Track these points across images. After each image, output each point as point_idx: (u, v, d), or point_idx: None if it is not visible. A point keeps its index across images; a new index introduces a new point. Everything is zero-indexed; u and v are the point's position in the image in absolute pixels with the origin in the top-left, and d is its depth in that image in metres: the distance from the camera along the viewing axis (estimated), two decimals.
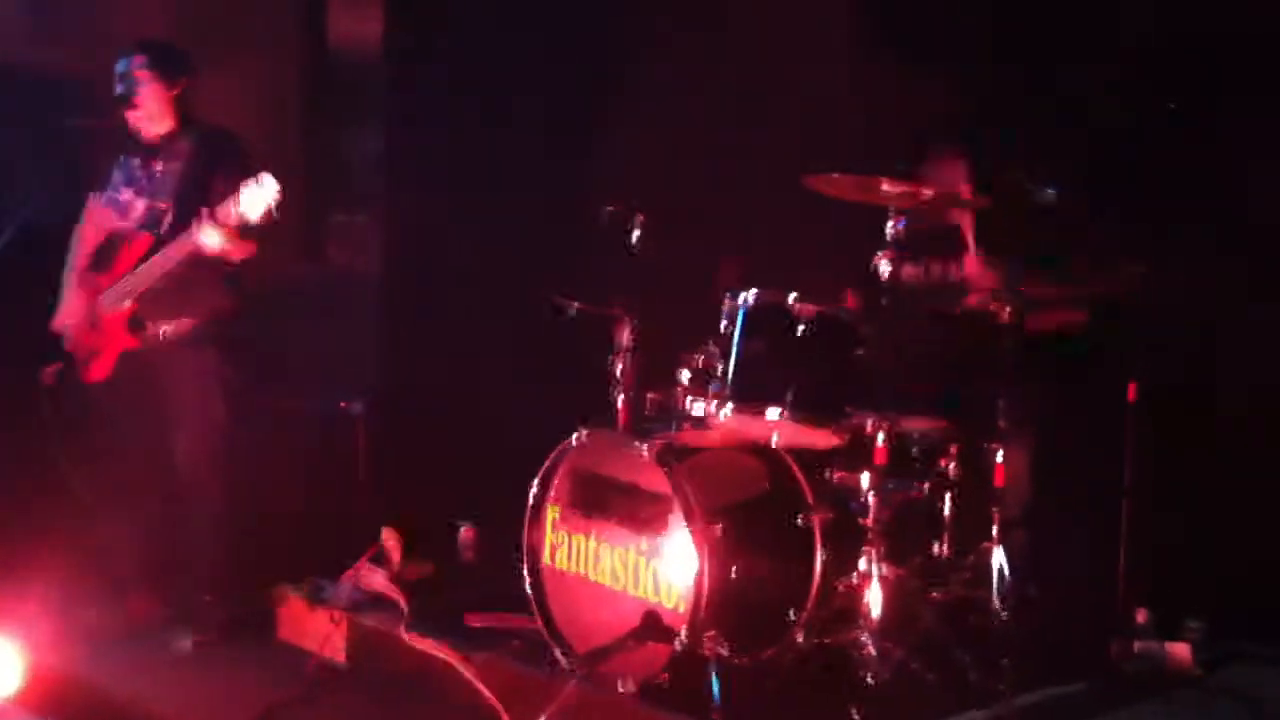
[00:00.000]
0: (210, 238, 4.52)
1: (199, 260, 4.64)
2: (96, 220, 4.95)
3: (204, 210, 4.51)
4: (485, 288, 6.03)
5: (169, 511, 4.94)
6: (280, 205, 4.47)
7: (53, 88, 5.78)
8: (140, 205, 4.81)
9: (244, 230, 4.54)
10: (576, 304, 4.70)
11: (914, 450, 4.28)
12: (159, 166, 4.82)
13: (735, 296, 4.26)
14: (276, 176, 4.48)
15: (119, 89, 4.77)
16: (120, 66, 4.78)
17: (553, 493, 4.44)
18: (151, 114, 4.80)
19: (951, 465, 4.28)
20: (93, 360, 4.81)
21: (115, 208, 4.88)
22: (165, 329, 4.78)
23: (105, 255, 4.87)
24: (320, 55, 6.69)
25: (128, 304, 4.72)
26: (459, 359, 5.95)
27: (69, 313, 4.90)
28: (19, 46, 5.81)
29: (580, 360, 5.07)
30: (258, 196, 4.43)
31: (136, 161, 4.87)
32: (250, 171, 4.57)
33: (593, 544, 4.32)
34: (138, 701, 4.41)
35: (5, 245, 4.28)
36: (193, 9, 5.94)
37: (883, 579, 4.03)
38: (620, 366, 4.65)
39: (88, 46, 5.63)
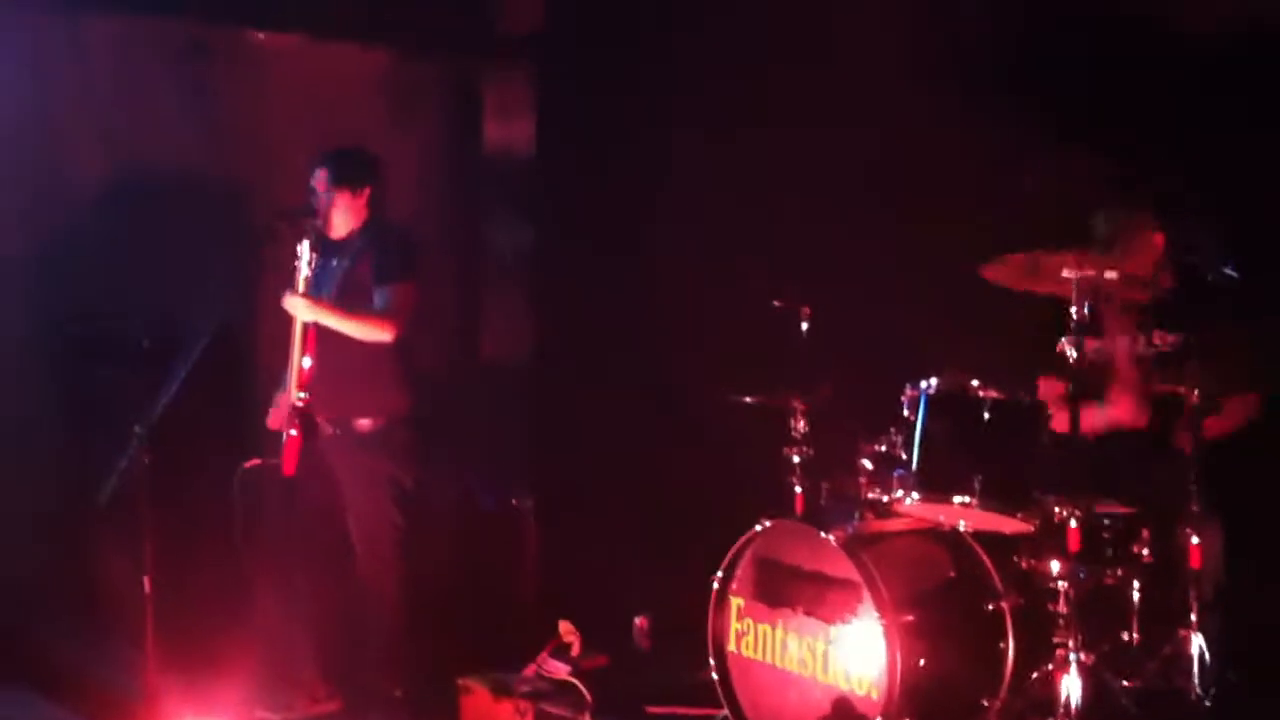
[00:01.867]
0: (295, 308, 4.78)
1: (355, 350, 4.82)
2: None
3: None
4: (643, 380, 6.11)
5: (349, 605, 5.05)
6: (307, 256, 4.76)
7: (237, 192, 6.03)
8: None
9: (311, 289, 4.77)
10: (749, 398, 4.77)
11: (1105, 535, 4.25)
12: (334, 263, 4.99)
13: (917, 384, 4.29)
14: (433, 271, 4.66)
15: (309, 200, 4.98)
16: (311, 179, 4.99)
17: (736, 582, 4.48)
18: (336, 222, 4.99)
19: (1144, 550, 4.23)
20: (285, 454, 4.92)
21: None
22: (340, 428, 4.92)
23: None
24: (476, 155, 6.90)
25: (300, 396, 4.86)
26: (620, 450, 6.02)
27: (278, 414, 5.06)
28: (204, 153, 6.06)
29: (744, 451, 5.14)
30: (301, 256, 4.76)
31: (322, 261, 5.01)
32: (411, 263, 4.88)
33: (779, 632, 4.33)
34: None
35: (205, 346, 4.43)
36: (352, 109, 6.19)
37: (1078, 666, 3.99)
38: (796, 456, 4.72)
39: (267, 151, 5.90)
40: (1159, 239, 4.50)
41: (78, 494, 4.85)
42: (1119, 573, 4.24)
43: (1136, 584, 4.26)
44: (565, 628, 5.07)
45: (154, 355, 4.92)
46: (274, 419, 5.03)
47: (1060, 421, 4.19)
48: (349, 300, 4.83)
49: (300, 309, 4.77)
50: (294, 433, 4.82)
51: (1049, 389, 4.43)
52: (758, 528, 4.40)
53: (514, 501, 5.84)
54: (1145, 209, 4.52)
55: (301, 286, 4.77)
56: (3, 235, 5.69)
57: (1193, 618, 4.16)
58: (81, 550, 5.43)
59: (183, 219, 5.80)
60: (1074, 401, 4.08)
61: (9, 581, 5.33)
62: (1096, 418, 4.50)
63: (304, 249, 4.76)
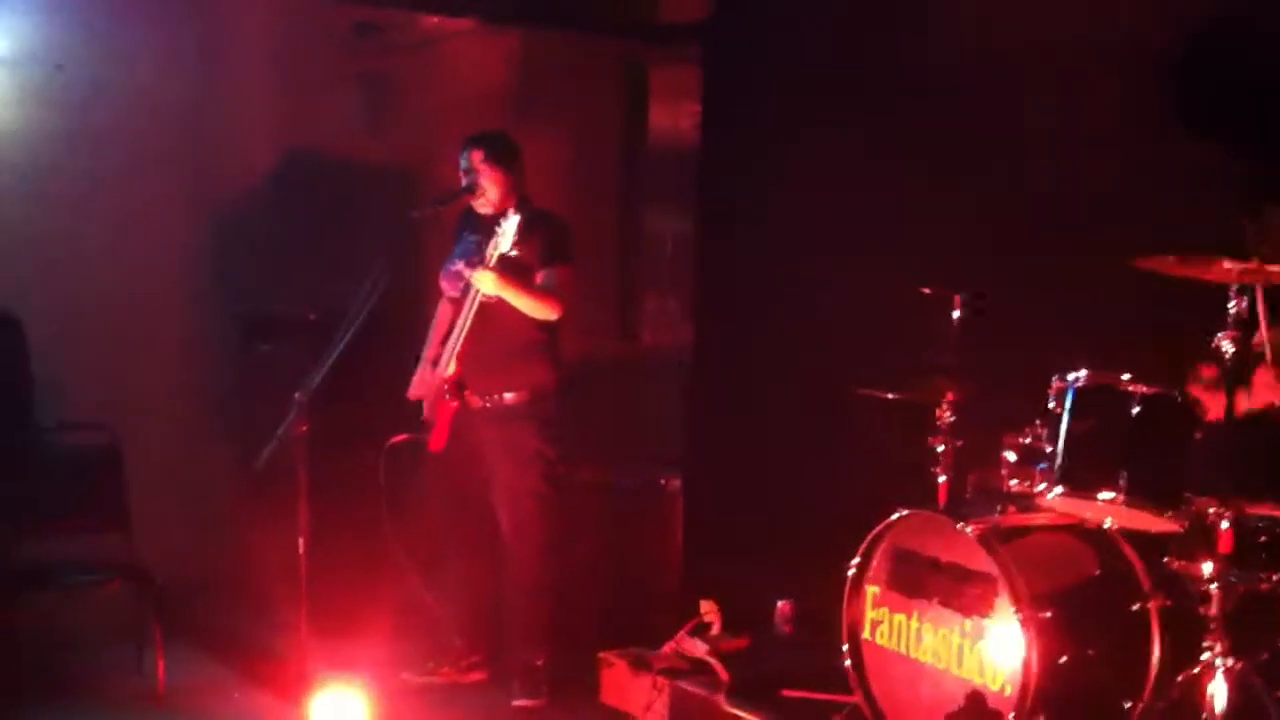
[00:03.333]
0: (482, 282, 4.87)
1: (513, 326, 4.95)
2: (445, 295, 5.28)
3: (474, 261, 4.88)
4: (796, 370, 6.09)
5: (496, 576, 5.17)
6: (520, 231, 4.81)
7: (394, 180, 6.21)
8: (467, 273, 5.08)
9: (505, 266, 4.84)
10: (891, 394, 4.73)
11: (1261, 539, 4.08)
12: (489, 241, 5.10)
13: (1064, 377, 4.18)
14: (593, 259, 4.74)
15: (465, 181, 5.12)
16: (463, 161, 5.13)
17: (872, 570, 4.44)
18: (492, 199, 5.11)
19: None
20: (435, 429, 5.09)
21: (449, 279, 5.21)
22: (488, 401, 5.03)
23: (449, 328, 5.18)
24: (639, 143, 6.96)
25: (453, 368, 5.01)
26: (770, 437, 6.02)
27: (421, 385, 5.21)
28: (370, 136, 6.26)
29: (895, 442, 5.09)
30: (506, 232, 4.80)
31: (474, 239, 5.17)
32: (568, 250, 4.99)
33: (914, 623, 4.29)
34: None
35: (354, 328, 4.58)
36: (516, 95, 6.31)
37: (1227, 672, 3.84)
38: (941, 446, 4.66)
39: (432, 135, 6.06)
40: None
41: (242, 462, 5.07)
42: (1274, 578, 4.05)
43: None
44: (706, 607, 5.11)
45: (320, 328, 5.09)
46: (416, 389, 5.18)
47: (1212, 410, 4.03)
48: (513, 278, 4.93)
49: (489, 282, 4.87)
50: (451, 403, 4.96)
51: (1206, 374, 4.28)
52: (894, 517, 4.35)
53: (662, 481, 5.89)
54: None
55: (494, 261, 4.86)
56: (174, 219, 5.99)
57: None
58: (245, 516, 5.68)
59: (350, 201, 6.01)
60: (1230, 396, 3.91)
61: (176, 544, 5.60)
62: (1243, 403, 4.31)
63: (509, 225, 4.82)
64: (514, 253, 4.84)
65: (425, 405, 5.18)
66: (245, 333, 6.05)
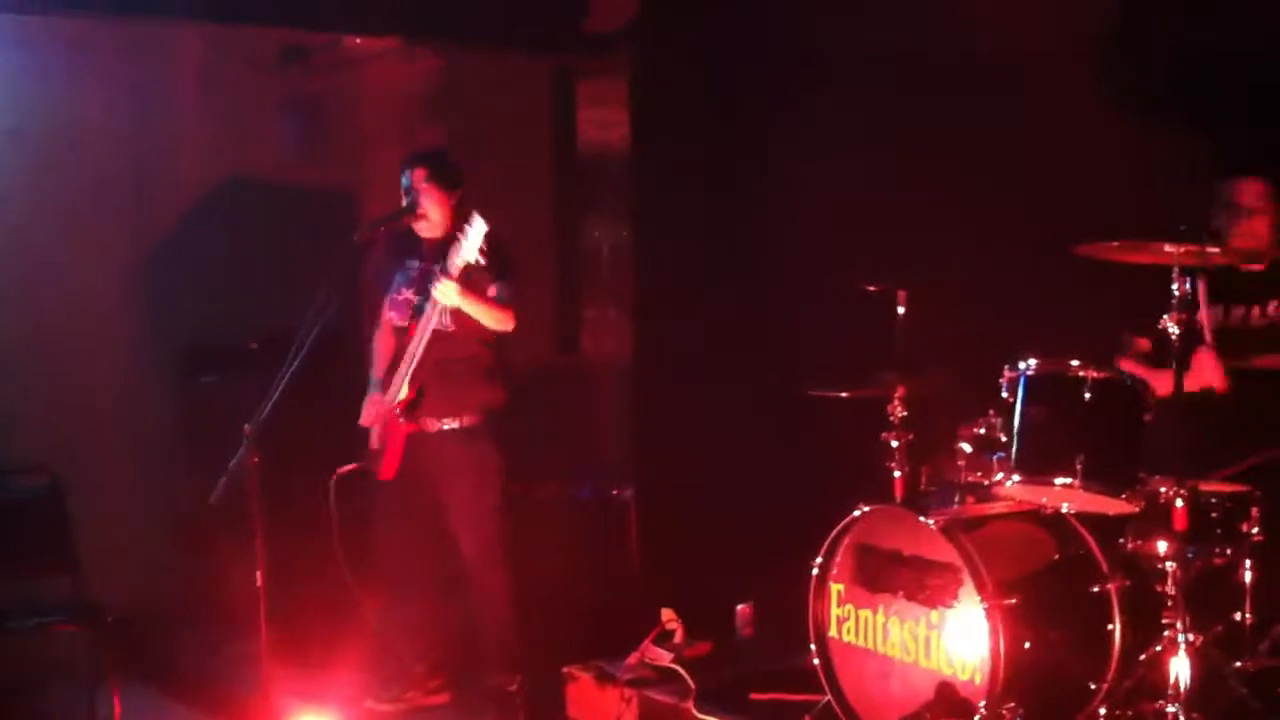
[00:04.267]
0: (444, 294, 4.78)
1: (469, 348, 4.91)
2: (387, 323, 5.20)
3: (435, 271, 4.79)
4: (741, 370, 6.13)
5: (458, 600, 5.13)
6: (489, 239, 4.69)
7: (328, 203, 6.16)
8: (416, 300, 5.03)
9: (468, 276, 4.77)
10: (844, 393, 4.76)
11: (1214, 515, 4.16)
12: (436, 267, 5.01)
13: (1016, 366, 4.24)
14: (531, 270, 4.74)
15: (405, 200, 5.04)
16: (405, 180, 5.05)
17: (835, 568, 4.47)
18: (434, 221, 5.04)
19: (1254, 529, 4.14)
20: (385, 457, 5.03)
21: (398, 309, 5.13)
22: (442, 424, 4.98)
23: (397, 355, 5.10)
24: (570, 154, 6.95)
25: (406, 392, 4.95)
26: (720, 440, 6.05)
27: (370, 415, 5.14)
28: (296, 167, 6.20)
29: (844, 438, 5.13)
30: (471, 238, 4.70)
31: (417, 264, 5.11)
32: (514, 268, 4.90)
33: (880, 618, 4.32)
34: None
35: (300, 357, 4.52)
36: (447, 112, 6.28)
37: (1188, 647, 3.92)
38: (895, 441, 4.70)
39: (364, 155, 6.02)
40: (1264, 223, 4.41)
41: (194, 496, 4.99)
42: (1228, 552, 4.14)
43: (1248, 564, 4.17)
44: (667, 615, 5.10)
45: (263, 358, 5.03)
46: (368, 417, 5.12)
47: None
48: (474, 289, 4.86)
49: (451, 293, 4.79)
50: (404, 427, 4.90)
51: (1139, 348, 4.36)
52: (856, 513, 4.39)
53: (615, 492, 5.89)
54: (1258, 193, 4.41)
55: (457, 271, 4.78)
56: (112, 253, 5.90)
57: None
58: (198, 550, 5.60)
59: (285, 226, 5.95)
60: (1179, 377, 3.99)
61: (131, 582, 5.51)
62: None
63: (474, 232, 4.70)
64: (481, 260, 4.76)
65: (374, 433, 5.11)
66: (187, 365, 5.96)
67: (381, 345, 5.22)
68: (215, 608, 5.37)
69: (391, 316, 5.16)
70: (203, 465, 4.55)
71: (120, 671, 4.98)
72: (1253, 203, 4.45)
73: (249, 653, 4.44)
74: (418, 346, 4.92)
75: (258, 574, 4.32)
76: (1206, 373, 4.33)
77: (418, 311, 4.98)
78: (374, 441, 5.10)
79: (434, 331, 4.89)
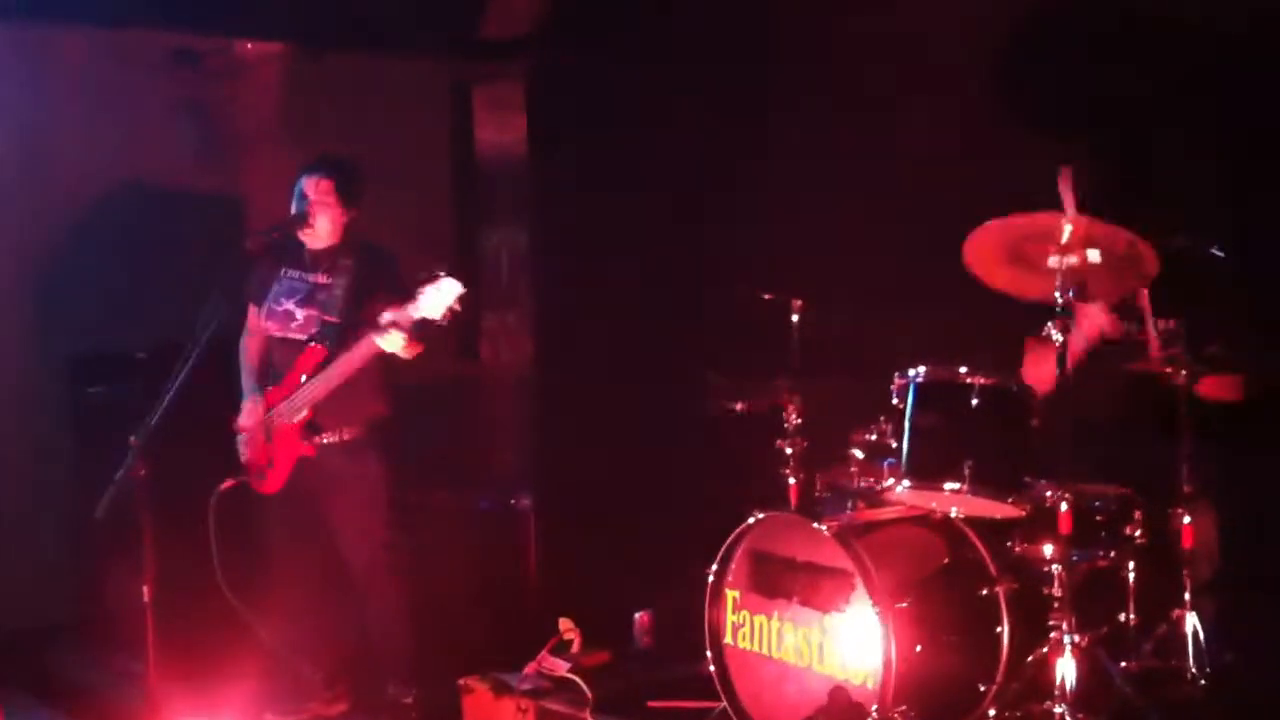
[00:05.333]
0: (392, 342, 4.64)
1: (370, 368, 4.78)
2: (259, 332, 5.04)
3: (386, 316, 4.62)
4: (639, 378, 6.14)
5: (351, 612, 5.07)
6: (462, 301, 4.58)
7: (217, 209, 6.07)
8: (306, 317, 4.89)
9: (421, 331, 4.65)
10: (740, 402, 4.79)
11: (1097, 518, 4.26)
12: (322, 280, 4.91)
13: (905, 373, 4.30)
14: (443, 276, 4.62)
15: (296, 207, 4.89)
16: (304, 186, 4.89)
17: (731, 575, 4.49)
18: (322, 233, 4.91)
19: (1137, 531, 4.24)
20: (268, 472, 4.92)
21: (276, 319, 4.95)
22: (331, 437, 4.89)
23: (275, 368, 4.98)
24: (467, 160, 6.92)
25: (305, 414, 4.83)
26: (617, 448, 6.06)
27: (244, 424, 5.00)
28: (186, 172, 6.09)
29: (742, 444, 5.16)
30: (438, 299, 4.54)
31: (296, 274, 4.96)
32: (406, 286, 4.67)
33: (775, 624, 4.35)
34: None
35: (189, 366, 4.43)
36: (339, 117, 6.21)
37: (1074, 648, 4.00)
38: (789, 448, 4.74)
39: (258, 160, 5.94)
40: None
41: (80, 508, 4.88)
42: (1112, 555, 4.24)
43: (1131, 565, 4.27)
44: (565, 625, 5.09)
45: (150, 366, 4.93)
46: (244, 423, 5.00)
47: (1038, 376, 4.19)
48: (357, 321, 4.75)
49: (399, 344, 4.63)
50: (301, 447, 4.82)
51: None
52: (750, 520, 4.41)
53: (512, 501, 5.86)
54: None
55: (408, 325, 4.58)
56: None
57: (1187, 598, 4.16)
58: (83, 562, 5.48)
59: (174, 232, 5.85)
60: (1062, 381, 4.07)
61: (13, 594, 5.37)
62: (1076, 344, 4.46)
63: (442, 296, 4.53)
64: (443, 321, 4.59)
65: (246, 444, 4.97)
66: (74, 374, 5.83)
67: (252, 351, 5.06)
68: (103, 621, 5.25)
69: (268, 326, 4.97)
70: (91, 476, 4.43)
71: (4, 683, 4.86)
72: None
73: (136, 667, 4.36)
74: (336, 378, 4.76)
75: (144, 588, 4.25)
76: (1097, 325, 4.40)
77: (323, 335, 4.84)
78: (245, 451, 4.97)
79: (333, 351, 4.78)
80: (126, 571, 4.31)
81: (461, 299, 4.58)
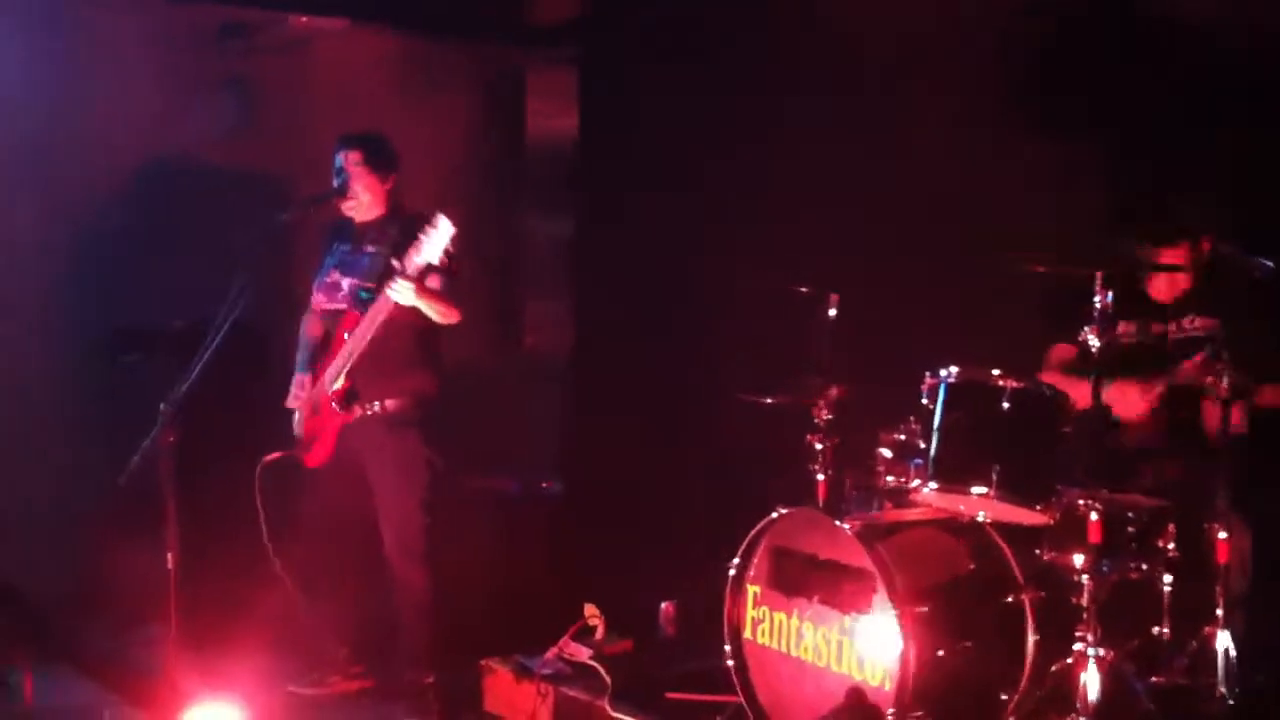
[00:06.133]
0: (400, 293, 4.65)
1: (403, 334, 4.81)
2: (316, 307, 5.11)
3: (394, 266, 4.66)
4: (676, 371, 6.10)
5: (380, 590, 5.07)
6: (455, 241, 4.57)
7: (260, 182, 6.08)
8: (350, 286, 4.94)
9: (425, 277, 4.65)
10: (770, 399, 4.74)
11: (1129, 529, 4.16)
12: (369, 249, 4.96)
13: (936, 373, 4.22)
14: (474, 263, 4.60)
15: (335, 181, 4.96)
16: (337, 160, 4.97)
17: (753, 570, 4.45)
18: (364, 203, 4.97)
19: (1170, 544, 4.14)
20: (315, 445, 4.95)
21: (325, 292, 5.04)
22: (372, 408, 4.91)
23: (325, 340, 5.04)
24: (517, 148, 6.91)
25: (342, 382, 4.86)
26: (653, 440, 6.02)
27: (297, 398, 5.06)
28: (229, 146, 6.12)
29: (774, 441, 5.11)
30: (435, 239, 4.56)
31: (347, 247, 5.03)
32: (453, 256, 4.72)
33: (795, 621, 4.30)
34: None
35: (222, 338, 4.45)
36: (387, 97, 6.21)
37: (1099, 661, 3.91)
38: (820, 445, 4.68)
39: (300, 138, 5.94)
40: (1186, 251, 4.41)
41: (110, 480, 4.91)
42: (1144, 567, 4.15)
43: (1165, 579, 4.17)
44: (590, 611, 5.06)
45: (186, 337, 4.94)
46: (295, 399, 5.05)
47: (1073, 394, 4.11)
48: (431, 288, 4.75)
49: (408, 294, 4.65)
50: (341, 416, 4.83)
51: (1059, 355, 4.35)
52: (773, 515, 4.36)
53: (543, 485, 5.84)
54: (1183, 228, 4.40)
55: (414, 270, 4.63)
56: (34, 227, 5.80)
57: (1219, 614, 4.06)
58: (111, 530, 5.51)
59: (213, 205, 5.87)
60: (1097, 389, 3.98)
61: (42, 563, 5.43)
62: (1136, 394, 4.40)
63: (437, 235, 4.55)
64: (444, 262, 4.61)
65: (299, 421, 5.03)
66: (109, 343, 5.87)
67: (309, 328, 5.15)
68: (129, 591, 5.28)
69: (319, 299, 5.06)
70: (123, 448, 4.44)
71: (33, 652, 4.90)
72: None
73: (158, 637, 4.38)
74: (361, 338, 4.79)
75: (168, 556, 4.27)
76: (1129, 403, 4.35)
77: (357, 300, 4.89)
78: (298, 427, 5.03)
79: (382, 324, 4.79)
80: (151, 542, 4.34)
81: (454, 239, 4.57)
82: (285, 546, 4.94)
